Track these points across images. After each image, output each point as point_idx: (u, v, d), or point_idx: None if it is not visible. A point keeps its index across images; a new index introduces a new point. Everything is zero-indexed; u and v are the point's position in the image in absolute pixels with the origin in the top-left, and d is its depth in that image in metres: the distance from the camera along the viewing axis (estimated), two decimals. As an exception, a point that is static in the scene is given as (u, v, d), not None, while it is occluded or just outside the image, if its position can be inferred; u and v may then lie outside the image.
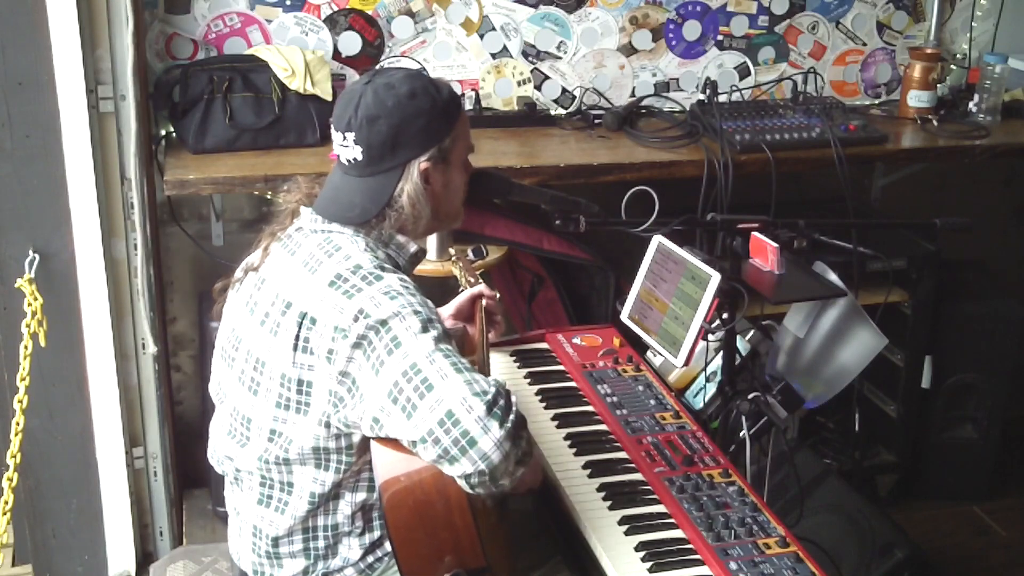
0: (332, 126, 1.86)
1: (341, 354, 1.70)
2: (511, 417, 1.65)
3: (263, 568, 1.92)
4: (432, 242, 2.77)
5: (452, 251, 2.48)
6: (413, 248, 1.90)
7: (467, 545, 1.71)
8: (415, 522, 1.72)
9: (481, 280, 2.35)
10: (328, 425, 1.77)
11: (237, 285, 1.93)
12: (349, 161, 1.84)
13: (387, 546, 1.87)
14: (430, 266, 2.79)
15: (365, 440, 1.77)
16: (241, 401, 1.86)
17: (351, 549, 1.88)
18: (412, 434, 1.65)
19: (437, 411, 1.62)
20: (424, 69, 3.17)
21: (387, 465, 1.73)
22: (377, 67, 3.13)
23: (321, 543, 1.87)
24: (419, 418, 1.63)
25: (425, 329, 1.68)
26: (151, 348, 2.82)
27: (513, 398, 1.68)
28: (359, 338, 1.69)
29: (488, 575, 1.72)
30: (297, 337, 1.75)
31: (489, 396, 1.64)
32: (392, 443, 1.72)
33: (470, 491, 1.68)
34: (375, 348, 1.68)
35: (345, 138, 1.83)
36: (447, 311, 2.29)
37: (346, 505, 1.85)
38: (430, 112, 1.83)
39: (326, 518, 1.86)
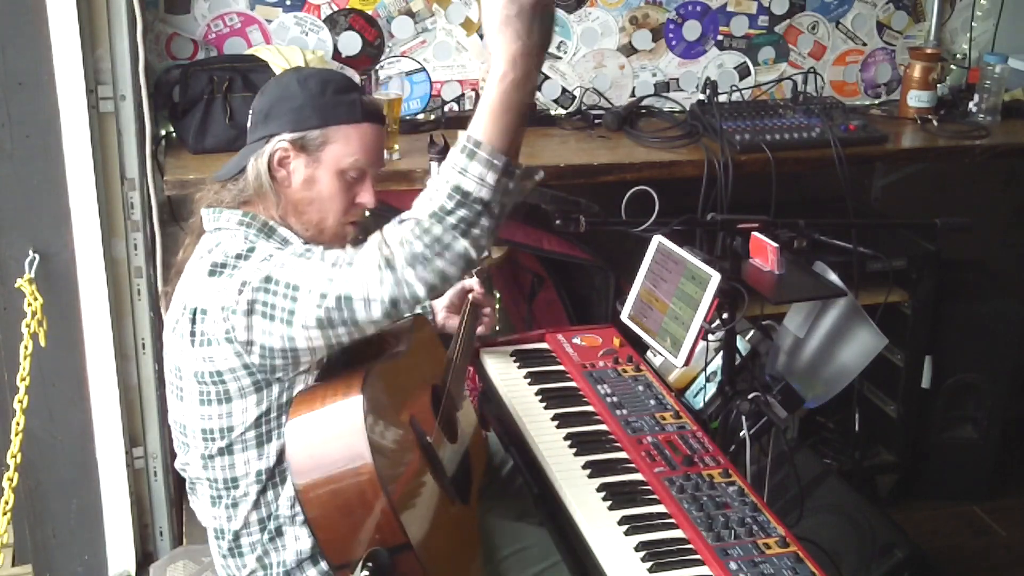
0: None
1: (239, 327, 1.71)
2: (382, 249, 1.63)
3: (230, 570, 1.94)
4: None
5: None
6: (297, 241, 1.90)
7: (383, 521, 1.69)
8: (328, 501, 1.71)
9: (474, 274, 2.35)
10: (260, 389, 1.78)
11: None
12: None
13: None
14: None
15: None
16: (175, 411, 1.90)
17: (299, 540, 1.88)
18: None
19: (372, 306, 1.64)
20: (424, 69, 3.17)
21: (299, 450, 1.74)
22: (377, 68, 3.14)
23: (266, 535, 1.88)
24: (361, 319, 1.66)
25: (305, 258, 1.71)
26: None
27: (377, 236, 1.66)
28: (250, 304, 1.70)
29: (410, 552, 1.69)
30: (193, 333, 1.77)
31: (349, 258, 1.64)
32: (303, 427, 1.74)
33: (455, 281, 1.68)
34: (275, 306, 1.69)
35: (252, 106, 1.93)
36: (441, 303, 2.30)
37: (290, 487, 1.84)
38: (309, 99, 1.85)
39: (276, 504, 1.87)
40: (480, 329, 2.32)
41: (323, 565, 1.88)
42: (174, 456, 2.99)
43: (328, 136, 1.85)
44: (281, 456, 1.84)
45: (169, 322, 1.87)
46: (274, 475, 1.85)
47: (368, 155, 1.90)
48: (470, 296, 2.28)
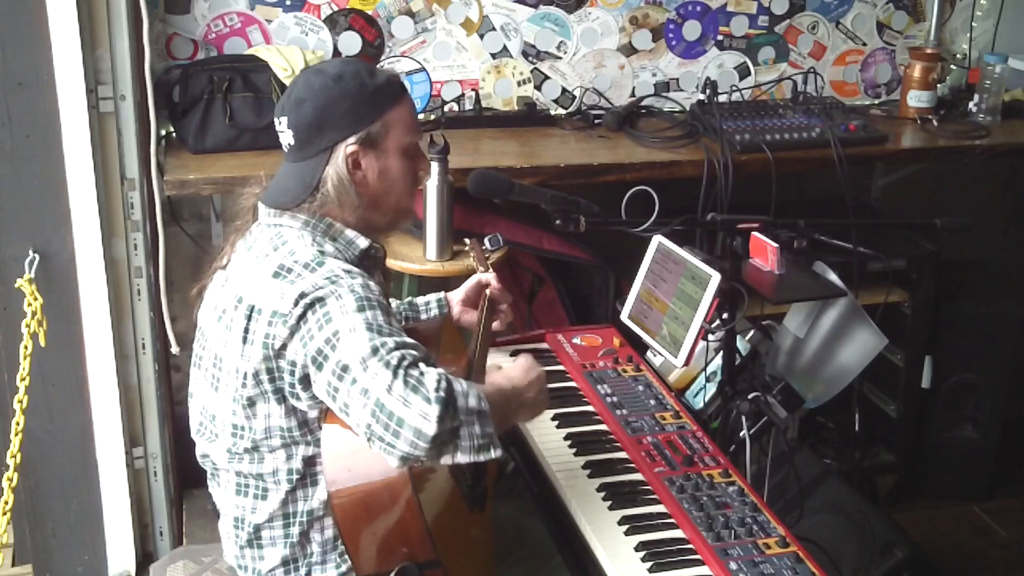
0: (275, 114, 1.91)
1: (279, 337, 1.73)
2: (435, 389, 1.62)
3: (245, 561, 1.93)
4: (432, 241, 2.77)
5: (466, 240, 2.46)
6: (363, 243, 1.90)
7: (415, 537, 1.70)
8: (361, 513, 1.71)
9: (491, 269, 2.34)
10: (283, 401, 1.79)
11: (209, 286, 1.95)
12: (286, 147, 1.88)
13: None
14: (430, 266, 2.79)
15: (323, 415, 1.79)
16: (207, 399, 1.90)
17: (325, 532, 1.88)
18: (351, 422, 1.67)
19: (365, 403, 1.62)
20: (424, 68, 3.17)
21: (333, 458, 1.74)
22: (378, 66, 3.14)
23: (296, 530, 1.88)
24: (355, 415, 1.64)
25: (360, 309, 1.69)
26: (174, 348, 2.87)
27: (438, 373, 1.65)
28: (298, 319, 1.71)
29: (439, 569, 1.70)
30: (245, 330, 1.77)
31: (402, 364, 1.63)
32: (341, 435, 1.73)
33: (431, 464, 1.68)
34: (310, 328, 1.70)
35: (280, 123, 1.87)
36: (456, 296, 2.29)
37: (322, 490, 1.84)
38: (356, 95, 1.83)
39: (305, 503, 1.87)
40: (495, 325, 2.31)
41: (341, 564, 1.89)
42: (175, 454, 3.03)
43: (387, 124, 1.87)
44: (311, 460, 1.84)
45: (215, 310, 1.86)
46: (305, 476, 1.85)
47: (417, 125, 1.95)
48: (487, 291, 2.27)
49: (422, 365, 1.65)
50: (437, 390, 1.60)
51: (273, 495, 1.87)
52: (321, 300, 1.71)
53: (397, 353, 1.64)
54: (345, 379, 1.64)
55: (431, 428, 1.58)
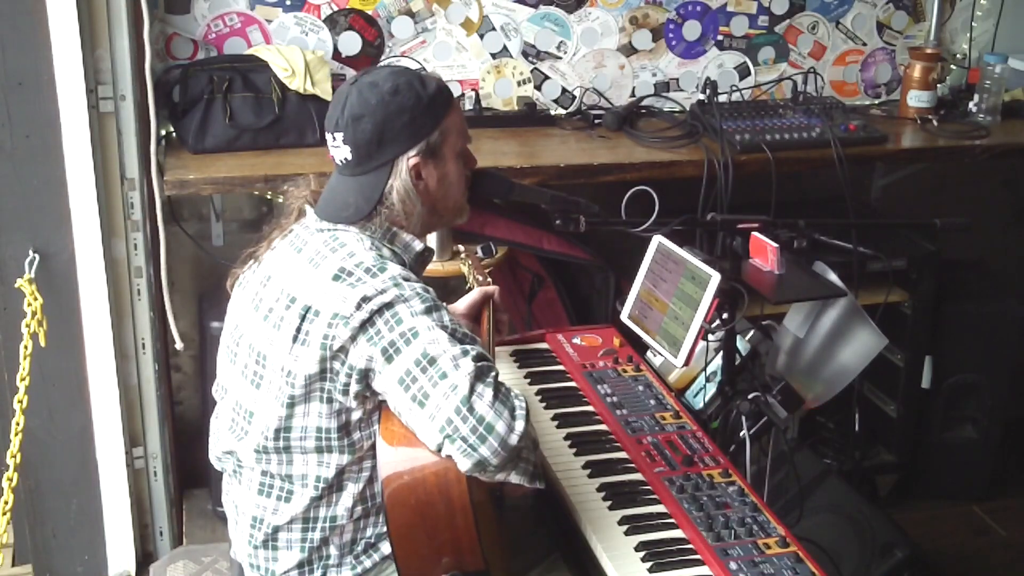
0: (325, 128, 1.90)
1: (339, 338, 1.74)
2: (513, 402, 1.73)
3: (258, 560, 1.93)
4: (432, 241, 2.77)
5: (461, 249, 2.47)
6: (419, 246, 1.93)
7: (467, 547, 1.71)
8: (416, 521, 1.72)
9: (490, 279, 2.34)
10: (330, 401, 1.79)
11: (241, 280, 1.96)
12: (342, 161, 1.88)
13: (381, 550, 1.89)
14: (432, 266, 2.78)
15: (365, 419, 1.81)
16: (244, 395, 1.89)
17: (335, 546, 1.88)
18: (423, 413, 1.71)
19: (451, 398, 1.68)
20: (424, 68, 3.17)
21: (390, 463, 1.74)
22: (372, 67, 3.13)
23: (317, 535, 1.88)
24: (433, 407, 1.69)
25: (428, 311, 1.74)
26: (179, 345, 2.86)
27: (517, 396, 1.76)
28: (362, 323, 1.73)
29: None
30: (298, 330, 1.78)
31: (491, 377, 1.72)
32: (397, 438, 1.74)
33: (486, 479, 1.74)
34: (379, 329, 1.73)
35: (335, 139, 1.87)
36: (459, 308, 2.30)
37: (348, 497, 1.85)
38: (414, 108, 1.84)
39: (328, 509, 1.87)
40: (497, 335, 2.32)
41: (365, 562, 1.89)
42: (175, 454, 3.03)
43: (443, 132, 1.89)
44: (343, 470, 1.84)
45: (258, 309, 1.86)
46: (332, 485, 1.85)
47: (466, 127, 1.96)
48: (491, 302, 2.27)
49: (505, 381, 1.75)
50: (524, 409, 1.73)
51: (297, 499, 1.86)
52: (389, 304, 1.74)
53: (485, 363, 1.73)
54: (430, 371, 1.70)
55: (515, 440, 1.70)
